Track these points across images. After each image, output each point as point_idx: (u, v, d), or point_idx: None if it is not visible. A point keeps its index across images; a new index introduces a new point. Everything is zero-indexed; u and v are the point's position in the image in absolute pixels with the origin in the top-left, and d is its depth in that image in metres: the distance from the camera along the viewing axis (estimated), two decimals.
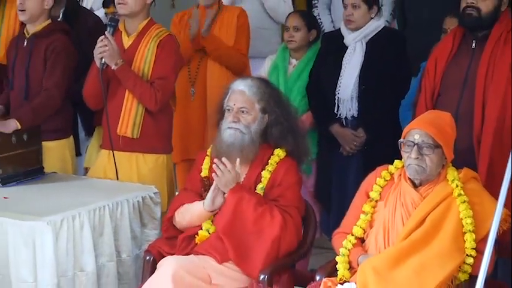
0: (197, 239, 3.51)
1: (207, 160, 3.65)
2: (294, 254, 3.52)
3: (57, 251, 3.46)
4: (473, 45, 3.79)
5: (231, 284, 3.42)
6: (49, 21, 4.31)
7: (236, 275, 3.43)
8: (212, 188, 3.47)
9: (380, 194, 3.41)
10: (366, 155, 4.41)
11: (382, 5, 4.99)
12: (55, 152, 4.32)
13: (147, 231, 3.88)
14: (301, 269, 4.00)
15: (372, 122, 4.44)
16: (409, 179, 3.35)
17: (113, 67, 4.04)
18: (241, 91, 3.57)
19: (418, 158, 3.27)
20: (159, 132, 4.20)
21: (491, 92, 3.66)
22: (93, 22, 4.84)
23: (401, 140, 3.34)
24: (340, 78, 4.50)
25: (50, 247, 3.43)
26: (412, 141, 3.29)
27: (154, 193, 3.91)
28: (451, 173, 3.33)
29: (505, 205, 3.09)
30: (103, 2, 5.20)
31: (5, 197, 3.78)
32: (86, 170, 4.65)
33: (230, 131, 3.51)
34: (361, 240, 3.39)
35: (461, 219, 3.24)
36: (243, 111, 3.54)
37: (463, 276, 3.20)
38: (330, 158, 4.55)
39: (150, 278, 3.42)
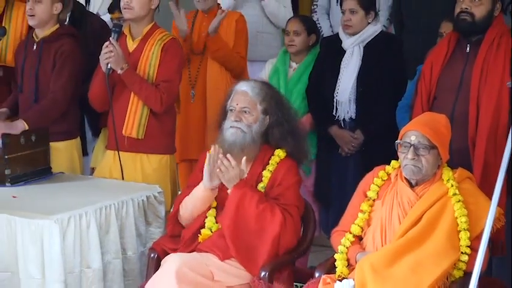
0: (200, 238, 3.52)
1: None
2: (294, 252, 3.52)
3: (65, 248, 3.46)
4: (468, 49, 3.80)
5: (233, 280, 3.42)
6: (57, 25, 4.31)
7: (238, 272, 3.43)
8: (206, 163, 3.47)
9: (377, 193, 3.41)
10: (364, 155, 4.42)
11: (379, 11, 5.01)
12: (63, 152, 4.32)
13: (152, 229, 3.89)
14: (301, 266, 4.01)
15: (369, 124, 4.45)
16: (406, 178, 3.36)
17: (119, 71, 4.04)
18: (244, 92, 3.58)
19: (414, 158, 3.28)
20: (163, 133, 4.20)
21: (485, 94, 3.67)
22: (99, 26, 4.84)
23: (398, 141, 3.35)
24: (338, 81, 4.52)
25: (58, 245, 3.43)
26: (409, 142, 3.30)
27: (158, 192, 3.91)
28: (446, 173, 3.34)
29: (499, 204, 3.10)
30: (109, 7, 5.20)
31: (13, 196, 3.79)
32: (93, 169, 4.65)
33: (232, 130, 3.52)
34: (359, 238, 3.40)
35: (456, 217, 3.24)
36: (245, 112, 3.55)
37: (457, 273, 3.21)
38: (329, 158, 4.56)
39: (154, 274, 3.43)
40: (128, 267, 3.77)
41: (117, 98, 4.15)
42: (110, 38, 4.05)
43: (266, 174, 3.54)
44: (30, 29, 4.40)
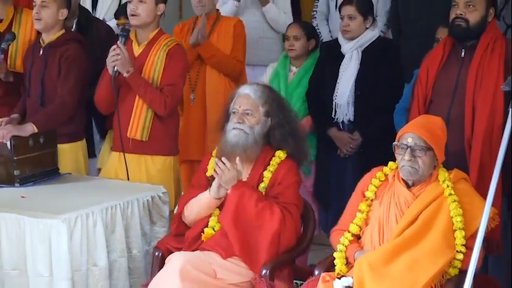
0: (203, 237, 3.52)
1: (212, 160, 3.65)
2: (294, 250, 3.53)
3: (72, 247, 3.47)
4: (463, 54, 3.79)
5: (235, 278, 3.42)
6: (63, 31, 4.32)
7: (240, 270, 3.43)
8: (216, 180, 3.48)
9: (375, 193, 3.41)
10: (362, 156, 4.43)
11: (376, 16, 5.01)
12: (69, 154, 4.33)
13: (156, 228, 3.89)
14: (301, 264, 4.00)
15: (366, 126, 4.45)
16: (403, 179, 3.36)
17: (125, 74, 4.04)
18: (247, 95, 3.59)
19: (411, 159, 3.28)
20: (166, 135, 4.21)
21: (480, 98, 3.66)
22: (106, 32, 4.84)
23: (395, 143, 3.35)
24: (337, 84, 4.52)
25: (65, 243, 3.44)
26: (406, 144, 3.30)
27: (162, 193, 3.92)
28: (442, 173, 3.34)
29: (494, 205, 3.11)
30: (115, 13, 5.20)
31: (22, 196, 3.79)
32: (99, 170, 4.65)
33: (235, 131, 3.53)
34: (357, 237, 3.40)
35: (452, 217, 3.24)
36: (247, 114, 3.56)
37: (453, 271, 3.21)
38: (328, 159, 4.57)
39: (159, 272, 3.43)
40: (133, 265, 3.77)
41: (123, 101, 4.16)
42: (118, 42, 4.06)
43: (267, 174, 3.55)
44: (39, 35, 4.40)
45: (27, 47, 4.50)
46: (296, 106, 4.58)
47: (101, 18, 5.33)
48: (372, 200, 3.41)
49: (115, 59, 4.01)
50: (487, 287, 3.41)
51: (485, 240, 3.21)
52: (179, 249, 3.52)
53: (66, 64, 4.22)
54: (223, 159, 3.45)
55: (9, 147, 3.95)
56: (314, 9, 5.50)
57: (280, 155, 3.58)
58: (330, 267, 3.36)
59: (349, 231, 3.39)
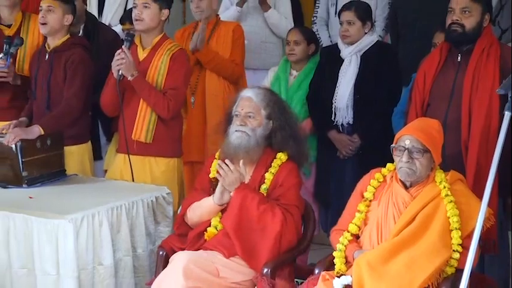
0: (206, 236, 3.52)
1: (215, 162, 3.65)
2: (295, 250, 3.53)
3: (78, 246, 3.48)
4: (459, 58, 3.80)
5: (237, 277, 3.43)
6: (68, 36, 4.33)
7: (242, 269, 3.44)
8: (220, 183, 3.49)
9: (374, 194, 3.41)
10: (361, 158, 4.43)
11: (375, 21, 5.02)
12: (75, 156, 4.33)
13: (161, 228, 3.90)
14: (301, 263, 4.00)
15: (365, 128, 4.45)
16: (401, 180, 3.36)
17: (129, 78, 4.05)
18: (249, 98, 3.59)
19: (408, 161, 3.28)
20: (170, 137, 4.21)
21: (476, 101, 3.67)
22: (112, 37, 4.86)
23: (393, 145, 3.35)
24: (336, 88, 4.53)
25: (72, 243, 3.45)
26: (403, 146, 3.31)
27: (166, 193, 3.92)
28: (439, 175, 3.34)
29: (490, 205, 3.11)
30: (120, 18, 5.21)
31: (30, 197, 3.80)
32: (105, 171, 4.66)
33: (237, 133, 3.53)
34: (357, 237, 3.40)
35: (448, 217, 3.24)
36: (249, 116, 3.56)
37: (450, 270, 3.21)
38: (328, 161, 4.57)
39: (163, 271, 3.44)
40: (138, 264, 3.78)
41: (127, 104, 4.17)
42: (123, 46, 4.07)
43: (268, 176, 3.55)
44: (45, 40, 4.41)
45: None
46: (296, 109, 4.58)
47: (107, 24, 5.34)
48: (370, 201, 3.41)
49: (120, 63, 4.03)
50: (483, 286, 3.41)
51: (482, 240, 3.21)
52: (183, 249, 3.52)
53: (72, 68, 4.23)
54: (226, 161, 3.45)
55: (17, 149, 3.96)
56: (314, 14, 5.51)
57: (282, 157, 3.58)
58: (330, 266, 3.37)
59: (348, 231, 3.39)
